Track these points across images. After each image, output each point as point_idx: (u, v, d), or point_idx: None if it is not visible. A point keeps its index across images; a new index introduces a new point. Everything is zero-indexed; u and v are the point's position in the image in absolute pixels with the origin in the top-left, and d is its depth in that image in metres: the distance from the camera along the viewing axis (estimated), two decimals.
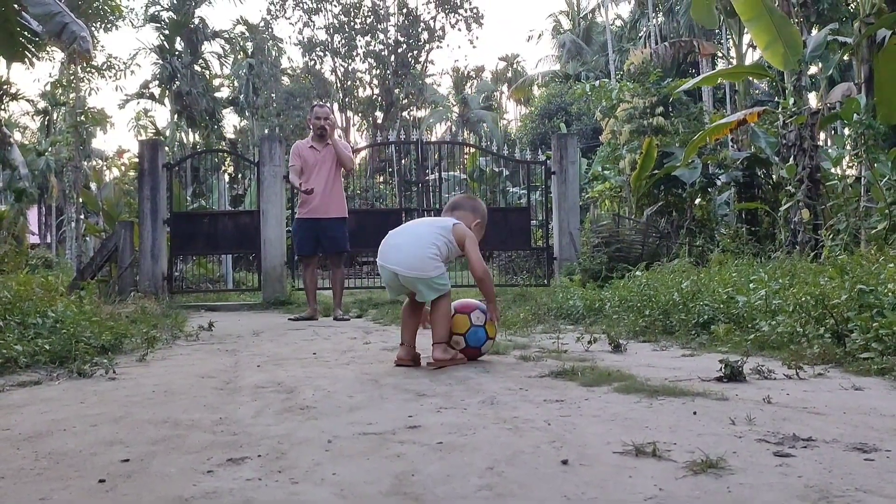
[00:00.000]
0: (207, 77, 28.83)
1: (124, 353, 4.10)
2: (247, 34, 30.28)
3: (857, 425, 1.83)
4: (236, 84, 31.13)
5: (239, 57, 30.61)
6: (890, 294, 3.34)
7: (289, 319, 6.85)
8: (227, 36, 29.82)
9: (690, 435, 1.77)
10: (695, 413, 2.03)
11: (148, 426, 2.10)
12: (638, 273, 6.62)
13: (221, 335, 5.28)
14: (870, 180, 7.08)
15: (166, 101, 27.72)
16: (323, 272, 9.40)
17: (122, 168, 31.61)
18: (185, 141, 28.52)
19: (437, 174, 13.02)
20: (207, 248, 10.57)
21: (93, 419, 2.21)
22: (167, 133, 27.67)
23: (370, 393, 2.62)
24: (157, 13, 27.13)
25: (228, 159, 26.49)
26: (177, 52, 27.09)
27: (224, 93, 32.27)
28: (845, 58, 10.26)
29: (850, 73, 16.54)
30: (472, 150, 19.78)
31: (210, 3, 28.21)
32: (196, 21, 27.33)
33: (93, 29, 17.36)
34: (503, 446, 1.72)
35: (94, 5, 16.45)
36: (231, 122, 35.36)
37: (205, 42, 27.94)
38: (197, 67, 27.56)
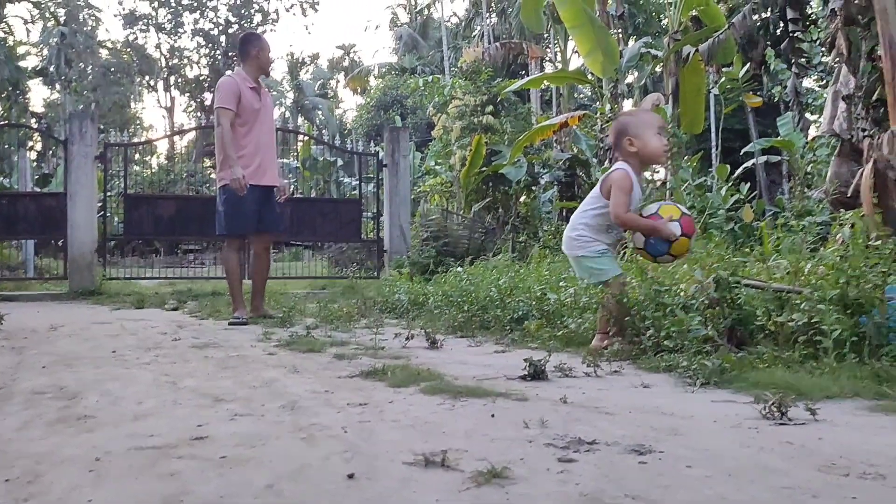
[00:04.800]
0: (10, 43, 26.12)
1: None
2: (59, 0, 27.79)
3: (639, 425, 1.91)
4: (46, 53, 28.48)
5: (49, 24, 28.01)
6: (681, 293, 3.59)
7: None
8: (35, 0, 27.20)
9: (484, 440, 1.77)
10: (493, 416, 2.04)
11: None
12: (460, 269, 6.74)
13: (12, 329, 4.75)
14: (673, 185, 7.65)
15: None
16: (142, 259, 8.78)
17: None
18: None
19: None
20: (4, 233, 9.56)
21: None
22: None
23: (164, 398, 2.43)
24: None
25: (35, 135, 24.21)
26: None
27: (31, 62, 29.41)
28: (657, 69, 11.05)
29: (661, 83, 17.87)
30: (306, 138, 19.36)
31: None
32: None
33: None
34: (291, 459, 1.62)
35: None
36: (40, 94, 32.40)
37: (7, 4, 25.29)
38: None
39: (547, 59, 20.02)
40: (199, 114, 29.41)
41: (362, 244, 10.76)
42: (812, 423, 1.95)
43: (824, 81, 12.79)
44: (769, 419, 1.98)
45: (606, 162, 8.73)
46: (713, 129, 12.94)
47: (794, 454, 1.65)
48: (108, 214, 9.82)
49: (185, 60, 28.59)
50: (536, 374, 2.68)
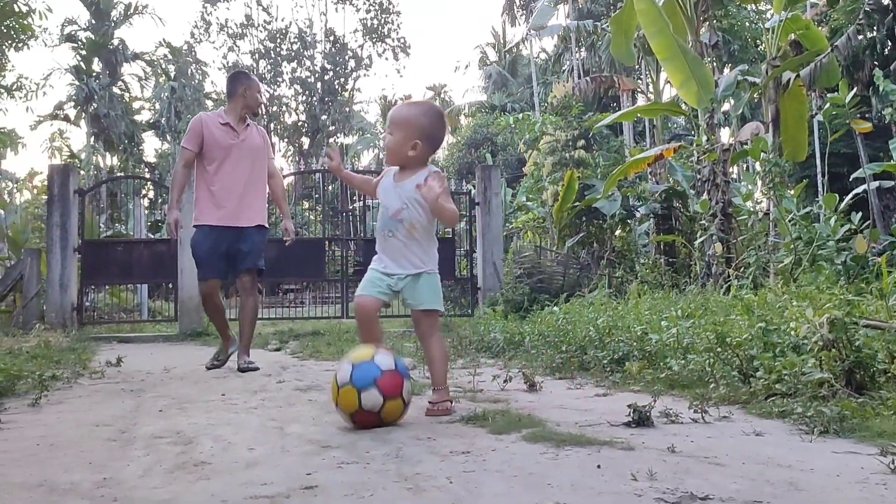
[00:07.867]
0: (127, 99, 28.06)
1: (17, 396, 3.83)
2: (169, 57, 29.69)
3: (753, 478, 1.83)
4: (158, 107, 30.40)
5: (161, 80, 29.94)
6: (792, 332, 3.42)
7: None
8: (148, 58, 29.19)
9: (591, 494, 1.73)
10: (598, 466, 2.00)
11: (20, 491, 1.93)
12: (556, 308, 6.67)
13: (130, 372, 5.04)
14: (777, 216, 7.36)
15: (82, 123, 26.82)
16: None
17: (34, 191, 30.35)
18: (101, 164, 27.60)
19: (362, 202, 12.93)
20: (121, 278, 10.23)
21: None
22: (83, 156, 26.72)
23: (272, 444, 2.51)
24: (73, 33, 26.33)
25: (149, 183, 25.74)
26: (94, 74, 26.30)
27: (144, 116, 31.45)
28: (755, 96, 10.73)
29: (759, 110, 17.32)
30: None
31: (130, 24, 27.50)
32: (115, 42, 26.65)
33: (2, 48, 16.68)
34: None
35: (5, 23, 15.83)
36: (152, 145, 34.48)
37: (124, 63, 27.23)
38: (116, 89, 26.82)
39: (639, 90, 19.77)
40: (297, 158, 30.60)
41: (456, 282, 10.83)
42: None
43: None
44: None
45: (704, 194, 8.50)
46: (818, 155, 12.40)
47: None
48: None
49: (284, 107, 29.81)
50: (641, 420, 2.61)
